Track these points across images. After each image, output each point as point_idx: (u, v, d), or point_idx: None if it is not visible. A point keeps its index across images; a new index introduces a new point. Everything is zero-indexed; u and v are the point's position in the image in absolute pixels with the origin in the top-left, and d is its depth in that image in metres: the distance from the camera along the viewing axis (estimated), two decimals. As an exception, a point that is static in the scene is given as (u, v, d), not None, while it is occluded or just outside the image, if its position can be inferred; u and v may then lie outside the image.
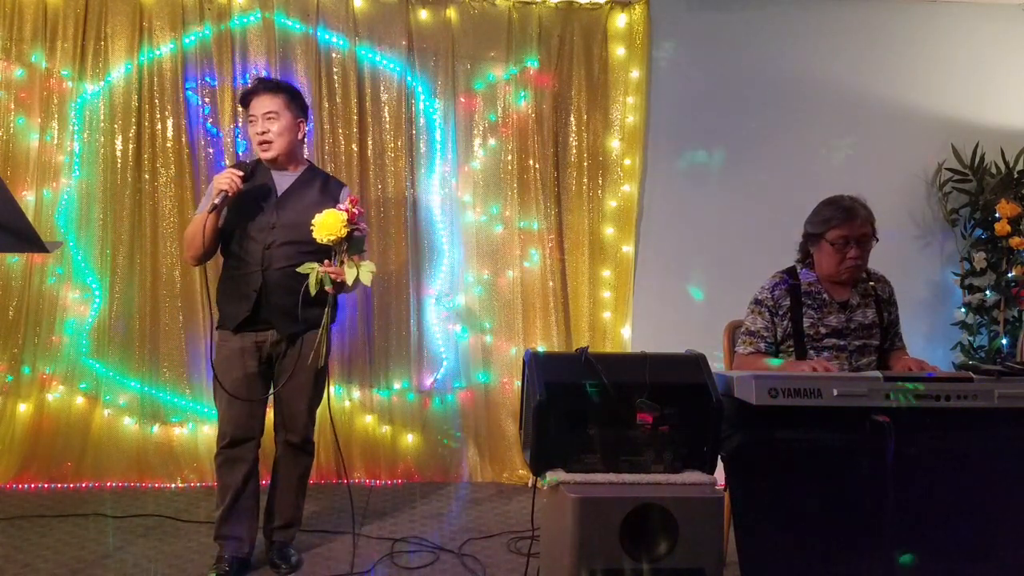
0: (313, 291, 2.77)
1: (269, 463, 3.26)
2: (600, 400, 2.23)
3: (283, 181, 3.03)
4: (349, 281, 2.78)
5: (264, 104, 2.97)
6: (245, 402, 2.95)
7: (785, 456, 2.26)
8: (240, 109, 4.09)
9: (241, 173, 2.87)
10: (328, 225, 2.73)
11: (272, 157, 2.99)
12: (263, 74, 4.13)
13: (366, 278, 2.81)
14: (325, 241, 2.74)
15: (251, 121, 3.00)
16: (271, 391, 3.04)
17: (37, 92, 4.06)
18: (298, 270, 2.81)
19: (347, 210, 2.74)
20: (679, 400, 2.26)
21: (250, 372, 2.96)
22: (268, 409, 3.10)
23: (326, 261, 2.80)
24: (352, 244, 2.78)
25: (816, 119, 4.45)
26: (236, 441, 2.96)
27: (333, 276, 2.77)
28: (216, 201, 2.84)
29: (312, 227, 2.75)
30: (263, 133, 2.96)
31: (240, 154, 4.11)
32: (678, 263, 4.42)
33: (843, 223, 2.75)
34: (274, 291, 2.92)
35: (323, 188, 3.06)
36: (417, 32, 4.25)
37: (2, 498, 3.82)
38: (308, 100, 4.15)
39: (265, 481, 3.19)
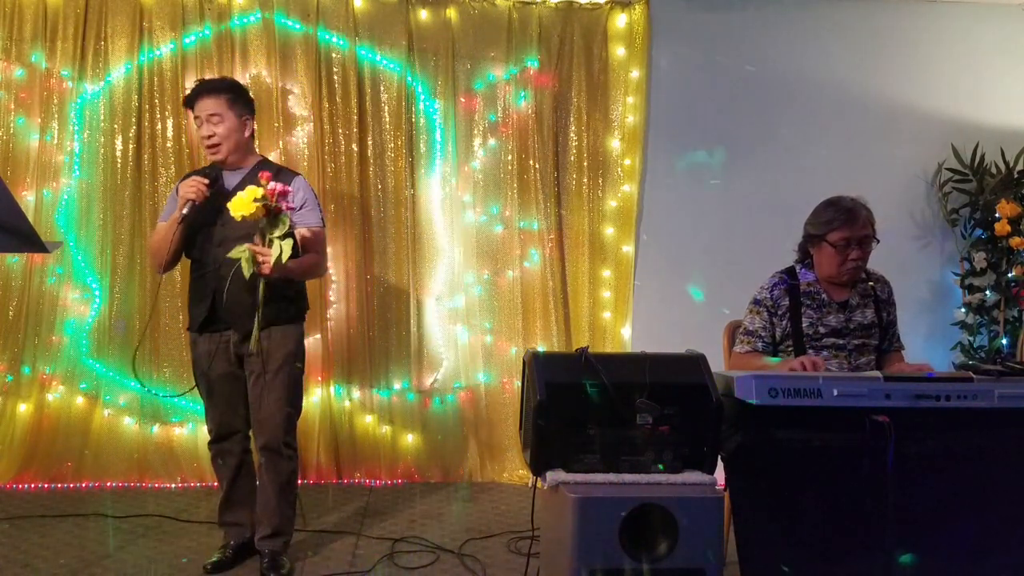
0: (247, 272, 2.71)
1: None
2: (600, 400, 2.23)
3: (233, 178, 2.98)
4: (271, 260, 2.69)
5: (207, 106, 2.92)
6: (225, 399, 3.01)
7: (785, 456, 2.26)
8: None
9: (207, 181, 2.86)
10: (241, 201, 2.62)
11: (221, 160, 2.96)
12: (262, 74, 4.13)
13: (284, 256, 2.70)
14: (240, 218, 2.65)
15: (196, 124, 2.98)
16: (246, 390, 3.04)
17: (37, 92, 4.06)
18: (229, 255, 2.75)
19: (262, 186, 2.65)
20: (679, 400, 2.26)
21: (225, 371, 3.00)
22: None
23: (256, 238, 2.74)
24: (271, 222, 2.70)
25: (816, 119, 4.45)
26: (221, 436, 3.06)
27: (257, 255, 2.71)
28: (184, 211, 2.83)
29: (228, 206, 2.67)
30: (210, 136, 2.92)
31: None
32: (678, 263, 4.42)
33: (844, 224, 2.75)
34: (229, 289, 2.85)
35: (274, 179, 2.92)
36: (417, 32, 4.25)
37: (2, 498, 3.82)
38: (308, 100, 4.18)
39: None
